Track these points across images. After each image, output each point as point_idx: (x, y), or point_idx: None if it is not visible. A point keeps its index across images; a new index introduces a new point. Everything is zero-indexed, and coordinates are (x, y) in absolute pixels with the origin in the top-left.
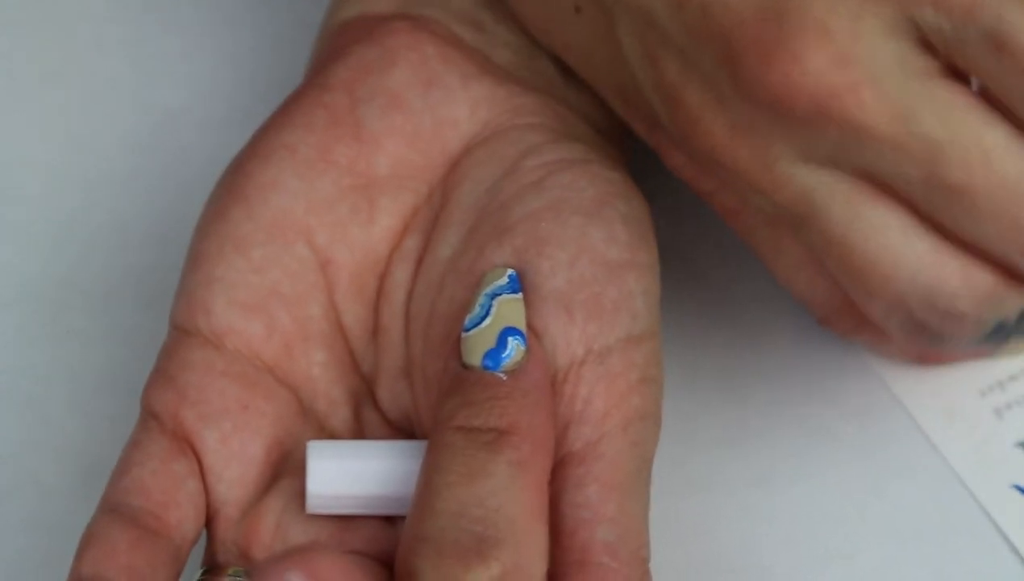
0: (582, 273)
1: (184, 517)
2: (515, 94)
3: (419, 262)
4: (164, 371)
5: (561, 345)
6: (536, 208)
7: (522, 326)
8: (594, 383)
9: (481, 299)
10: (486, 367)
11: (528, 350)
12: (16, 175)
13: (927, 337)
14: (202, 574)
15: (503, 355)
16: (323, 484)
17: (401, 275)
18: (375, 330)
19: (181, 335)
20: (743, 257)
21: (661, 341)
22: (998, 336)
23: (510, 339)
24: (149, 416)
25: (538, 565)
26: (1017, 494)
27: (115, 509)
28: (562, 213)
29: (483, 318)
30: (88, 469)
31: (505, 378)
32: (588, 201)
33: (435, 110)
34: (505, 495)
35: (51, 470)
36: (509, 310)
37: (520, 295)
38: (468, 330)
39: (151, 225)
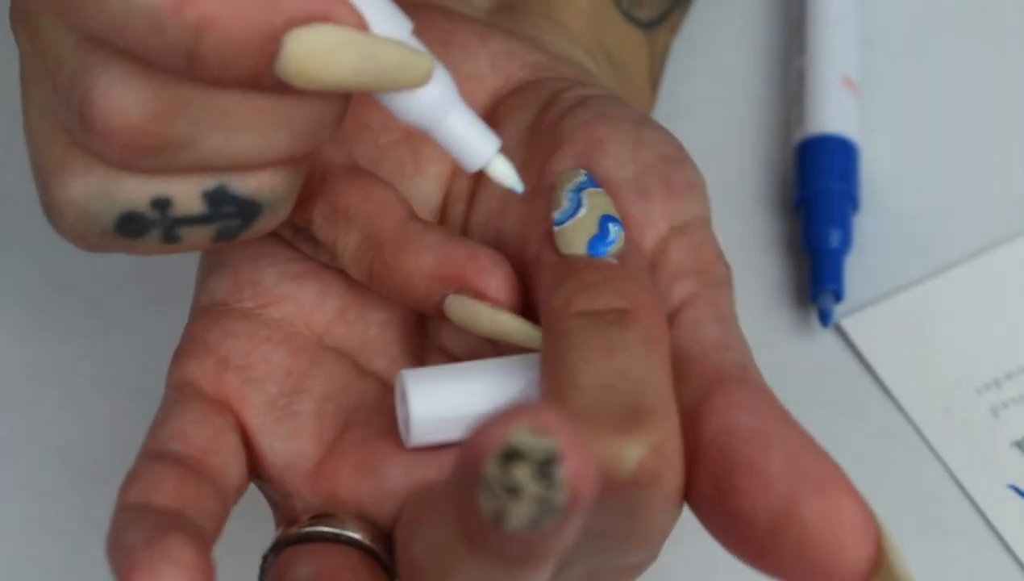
0: (647, 162)
1: (227, 464)
2: (530, 50)
3: (471, 200)
4: (201, 342)
5: (644, 224)
6: (586, 120)
7: (616, 215)
8: (683, 251)
9: (567, 194)
10: (592, 254)
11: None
12: (15, 175)
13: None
14: (309, 519)
15: (608, 240)
16: (428, 407)
17: (455, 215)
18: None
19: (219, 311)
20: (733, 262)
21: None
22: (134, 229)
23: (610, 226)
24: (182, 385)
25: (679, 440)
26: (1013, 494)
27: (156, 455)
28: (613, 120)
29: (576, 209)
30: (86, 470)
31: (614, 263)
32: (633, 114)
33: (458, 67)
34: (646, 367)
35: (49, 471)
36: (600, 200)
37: (602, 189)
38: (562, 222)
39: None
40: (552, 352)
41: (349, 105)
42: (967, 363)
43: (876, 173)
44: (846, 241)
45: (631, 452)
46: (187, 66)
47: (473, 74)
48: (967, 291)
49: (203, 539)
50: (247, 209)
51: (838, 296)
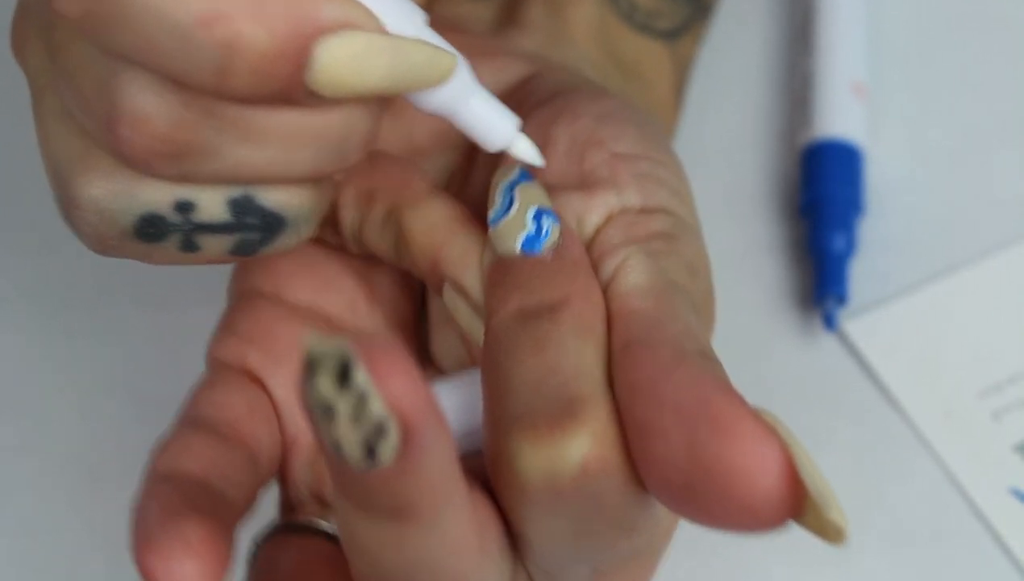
0: (593, 164)
1: (258, 433)
2: (530, 65)
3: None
4: (229, 326)
5: (582, 216)
6: (543, 119)
7: (549, 206)
8: (615, 228)
9: (500, 191)
10: (526, 251)
11: (562, 228)
12: (16, 174)
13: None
14: (307, 513)
15: (542, 237)
16: None
17: None
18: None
19: (250, 297)
20: (738, 266)
21: (699, 237)
22: (153, 232)
23: (544, 219)
24: (215, 365)
25: (618, 426)
26: (1014, 498)
27: (188, 422)
28: (570, 118)
29: (508, 207)
30: (87, 470)
31: (549, 258)
32: (602, 108)
33: None
34: (578, 356)
35: (50, 471)
36: (532, 194)
37: (536, 181)
38: (496, 221)
39: None
40: (488, 357)
41: (378, 126)
42: (969, 367)
43: (881, 177)
44: (851, 245)
45: (573, 448)
46: (217, 83)
47: None
48: (970, 295)
49: (225, 515)
50: (271, 222)
51: (842, 300)
